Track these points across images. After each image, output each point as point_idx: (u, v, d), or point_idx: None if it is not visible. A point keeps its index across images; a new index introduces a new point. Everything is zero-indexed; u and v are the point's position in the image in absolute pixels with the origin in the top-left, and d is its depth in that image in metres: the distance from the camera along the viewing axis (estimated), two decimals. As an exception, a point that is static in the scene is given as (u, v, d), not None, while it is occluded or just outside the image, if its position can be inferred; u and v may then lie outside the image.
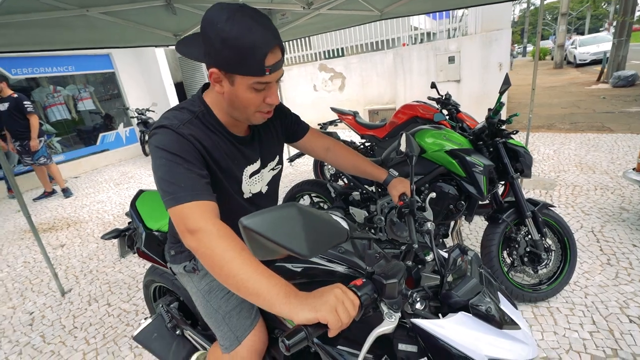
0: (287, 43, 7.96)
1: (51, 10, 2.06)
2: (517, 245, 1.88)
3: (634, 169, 2.52)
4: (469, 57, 5.42)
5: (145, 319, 1.59)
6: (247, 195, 1.01)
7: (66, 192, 5.07)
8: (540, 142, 4.90)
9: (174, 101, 7.58)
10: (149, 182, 5.46)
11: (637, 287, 1.97)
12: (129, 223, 1.54)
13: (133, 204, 1.46)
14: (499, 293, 0.76)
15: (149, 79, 7.47)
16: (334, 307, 0.60)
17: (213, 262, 0.69)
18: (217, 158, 0.87)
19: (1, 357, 2.08)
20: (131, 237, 1.50)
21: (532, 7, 30.45)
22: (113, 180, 5.82)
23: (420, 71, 6.02)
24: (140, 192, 1.53)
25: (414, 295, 0.69)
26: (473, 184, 1.81)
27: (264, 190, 1.06)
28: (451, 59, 5.53)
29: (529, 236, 1.88)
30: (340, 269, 0.88)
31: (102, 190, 5.30)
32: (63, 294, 2.64)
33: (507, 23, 5.21)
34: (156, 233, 1.37)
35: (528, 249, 1.88)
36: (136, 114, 6.67)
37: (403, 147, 1.02)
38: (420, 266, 0.80)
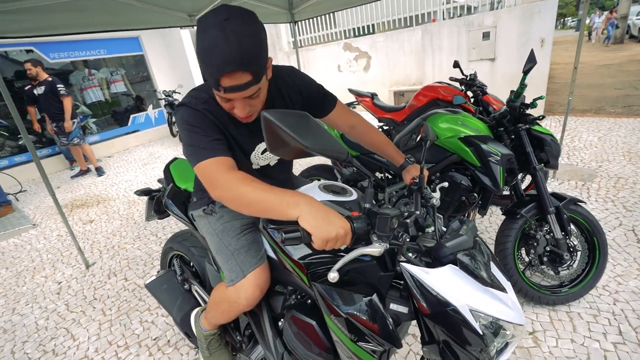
0: (310, 21, 7.71)
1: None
2: (536, 244, 1.71)
3: (690, 161, 2.19)
4: (506, 32, 4.92)
5: (158, 272, 1.69)
6: (255, 166, 1.11)
7: (99, 171, 5.38)
8: (583, 128, 4.42)
9: (199, 83, 7.69)
10: (174, 163, 5.65)
11: (678, 296, 1.74)
12: (156, 189, 1.70)
13: (167, 167, 1.62)
14: (492, 263, 0.79)
15: (176, 61, 7.61)
16: (327, 238, 0.68)
17: (239, 203, 0.83)
18: (230, 131, 0.98)
19: (32, 321, 2.28)
20: (159, 201, 1.63)
21: (591, -26, 27.10)
22: (141, 160, 6.09)
23: (450, 49, 5.59)
24: (175, 158, 1.71)
25: (404, 236, 0.76)
26: (488, 175, 1.65)
27: (272, 163, 1.15)
28: (485, 35, 5.05)
29: (551, 234, 1.69)
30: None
31: (131, 170, 5.57)
32: (87, 266, 2.82)
33: (554, -8, 4.63)
34: (183, 191, 1.54)
35: (548, 248, 1.70)
36: (164, 96, 6.85)
37: (423, 134, 1.06)
38: (420, 233, 0.86)
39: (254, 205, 0.80)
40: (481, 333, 0.67)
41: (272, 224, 1.02)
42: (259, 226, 1.12)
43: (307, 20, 7.49)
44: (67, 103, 4.69)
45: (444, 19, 6.08)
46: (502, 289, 0.73)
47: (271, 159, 1.14)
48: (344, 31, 7.50)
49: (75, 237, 2.76)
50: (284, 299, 1.06)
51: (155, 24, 3.05)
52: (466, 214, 1.87)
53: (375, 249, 0.70)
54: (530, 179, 2.46)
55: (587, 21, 16.44)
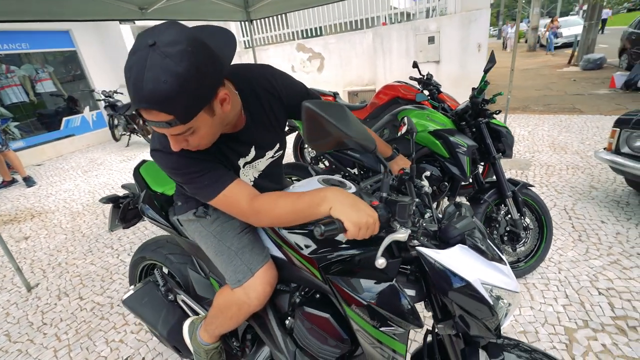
0: (262, 21, 7.62)
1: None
2: (497, 225, 1.91)
3: (604, 149, 2.61)
4: (449, 37, 5.38)
5: (135, 285, 1.58)
6: (249, 182, 1.07)
7: (28, 181, 4.73)
8: (516, 124, 5.01)
9: (144, 82, 7.15)
10: (120, 169, 5.18)
11: (605, 262, 2.07)
12: (123, 196, 1.57)
13: (137, 171, 1.52)
14: (487, 239, 0.84)
15: (116, 59, 6.98)
16: (360, 224, 0.71)
17: (278, 223, 0.88)
18: (213, 154, 0.90)
19: (-38, 359, 1.94)
20: (124, 210, 1.51)
21: (507, -11, 30.71)
22: (81, 168, 5.48)
23: (400, 52, 5.95)
24: (144, 161, 1.60)
25: (421, 221, 0.81)
26: (456, 165, 1.80)
27: (256, 176, 1.09)
28: (431, 39, 5.48)
29: (509, 216, 1.91)
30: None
31: (69, 179, 4.98)
32: (29, 289, 2.47)
33: (486, 2, 5.18)
34: (160, 194, 1.46)
35: (508, 228, 1.92)
36: (103, 97, 6.24)
37: (408, 127, 1.11)
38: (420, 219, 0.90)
39: (290, 220, 0.83)
40: (491, 303, 0.74)
41: None
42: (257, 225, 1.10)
43: (259, 20, 7.38)
44: (-16, 104, 4.05)
45: (392, 22, 6.43)
46: (502, 261, 0.81)
47: (256, 169, 1.07)
48: (296, 32, 7.54)
49: (13, 258, 2.40)
50: (289, 297, 1.05)
51: (104, 16, 2.78)
52: (436, 203, 2.02)
53: (402, 234, 0.74)
54: (482, 168, 2.74)
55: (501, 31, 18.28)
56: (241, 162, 0.99)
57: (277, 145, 1.08)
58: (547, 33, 14.28)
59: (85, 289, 2.41)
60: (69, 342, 1.96)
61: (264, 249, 1.05)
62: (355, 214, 0.71)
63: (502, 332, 0.82)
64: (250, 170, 1.05)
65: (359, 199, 0.75)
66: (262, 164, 1.07)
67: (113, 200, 1.56)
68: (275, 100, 0.99)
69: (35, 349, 1.94)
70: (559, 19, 17.07)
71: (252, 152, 1.00)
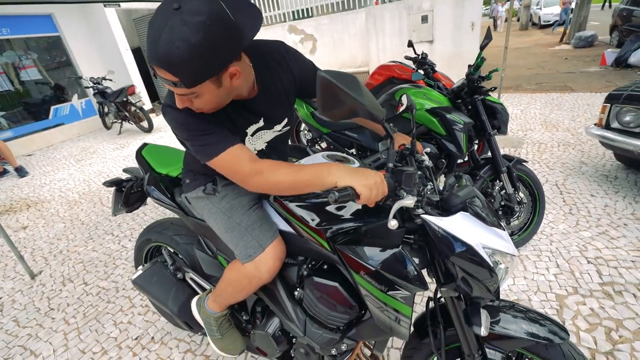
0: (253, 2, 7.41)
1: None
2: (492, 200, 1.97)
3: (595, 125, 2.67)
4: (442, 16, 5.33)
5: (144, 265, 1.61)
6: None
7: (20, 172, 4.66)
8: (508, 102, 5.05)
9: (132, 68, 6.98)
10: (114, 157, 5.13)
11: (594, 232, 2.17)
12: (126, 179, 1.59)
13: (139, 154, 1.55)
14: (486, 207, 0.89)
15: (102, 45, 6.77)
16: (370, 185, 0.75)
17: (277, 189, 0.89)
18: (221, 118, 0.93)
19: (-28, 345, 1.97)
20: (127, 194, 1.53)
21: (500, -34, 30.14)
22: (73, 157, 5.41)
23: (393, 32, 5.88)
24: (145, 144, 1.63)
25: (425, 190, 0.86)
26: (453, 142, 1.84)
27: (263, 148, 1.11)
28: (424, 19, 5.41)
29: (504, 191, 1.97)
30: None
31: (62, 168, 4.92)
32: (33, 276, 2.50)
33: (480, -20, 5.12)
34: (164, 176, 1.48)
35: (502, 203, 1.98)
36: (91, 84, 6.09)
37: (408, 104, 1.12)
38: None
39: (291, 187, 0.85)
40: (491, 265, 0.79)
41: (285, 196, 1.05)
42: (268, 200, 1.13)
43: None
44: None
45: (383, 2, 6.32)
46: (500, 227, 0.86)
47: (262, 140, 1.10)
48: (287, 13, 7.37)
49: (14, 246, 2.41)
50: (297, 270, 1.10)
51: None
52: (435, 178, 2.07)
53: (409, 200, 0.78)
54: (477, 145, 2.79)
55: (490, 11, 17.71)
56: (249, 130, 1.02)
57: (285, 120, 1.11)
58: (561, 10, 13.00)
59: (89, 275, 2.44)
60: (78, 325, 2.01)
61: (273, 224, 1.09)
62: (363, 178, 0.76)
63: (500, 293, 0.88)
64: (257, 140, 1.08)
65: (360, 167, 0.80)
66: (268, 135, 1.10)
67: (117, 183, 1.58)
68: (286, 75, 1.03)
69: (45, 333, 1.98)
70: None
71: (261, 122, 1.03)
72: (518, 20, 17.49)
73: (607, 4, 11.86)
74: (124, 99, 5.78)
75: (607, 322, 1.58)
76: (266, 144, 1.11)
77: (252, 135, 1.04)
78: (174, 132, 0.94)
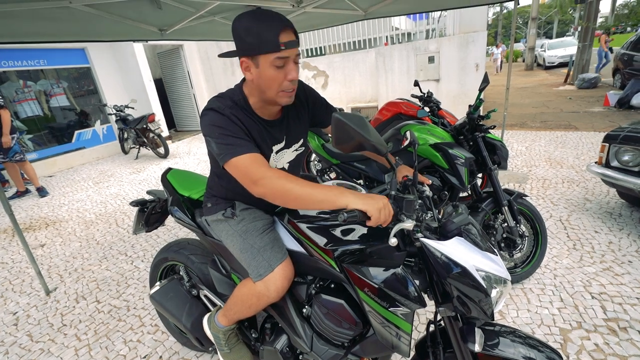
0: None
1: (32, 1, 2.01)
2: (494, 232, 2.04)
3: (596, 163, 2.76)
4: (448, 57, 5.64)
5: (161, 281, 1.70)
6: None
7: (41, 192, 4.88)
8: (513, 139, 5.19)
9: (153, 97, 7.41)
10: (130, 180, 5.34)
11: (598, 268, 2.19)
12: (149, 200, 1.73)
13: (164, 178, 1.68)
14: (480, 234, 0.97)
15: (127, 75, 7.27)
16: (380, 208, 0.85)
17: (285, 197, 0.94)
18: (252, 135, 1.08)
19: (-15, 359, 2.03)
20: (148, 214, 1.67)
21: (504, 11, 31.75)
22: (92, 179, 5.64)
23: (401, 70, 6.21)
24: (170, 169, 1.77)
25: (423, 215, 0.94)
26: (455, 175, 1.95)
27: (286, 167, 1.27)
28: (431, 59, 5.74)
29: (505, 223, 2.04)
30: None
31: (81, 189, 5.14)
32: (48, 293, 2.58)
33: (483, 25, 5.47)
34: (187, 198, 1.60)
35: (504, 235, 2.05)
36: (114, 111, 6.47)
37: (411, 140, 1.24)
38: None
39: (300, 199, 0.92)
40: (485, 287, 0.87)
41: (297, 218, 1.16)
42: (281, 223, 1.24)
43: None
44: (5, 115, 4.24)
45: (393, 43, 6.74)
46: (494, 252, 0.95)
47: (284, 160, 1.25)
48: (301, 51, 7.86)
49: (35, 261, 2.52)
50: (306, 288, 1.18)
51: (126, 36, 3.00)
52: (439, 210, 2.16)
53: (409, 223, 0.88)
54: (481, 180, 2.89)
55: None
56: (275, 148, 1.18)
57: (302, 141, 1.29)
58: (605, 48, 11.50)
59: (101, 293, 2.51)
60: (89, 342, 2.06)
61: (283, 247, 1.19)
62: (373, 201, 0.86)
63: (495, 316, 0.94)
64: (280, 159, 1.23)
65: (369, 193, 0.91)
66: (289, 155, 1.26)
67: (141, 203, 1.72)
68: (303, 107, 1.25)
69: (57, 348, 2.04)
70: (553, 40, 17.44)
71: (283, 143, 1.21)
72: (523, 60, 18.11)
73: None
74: (144, 126, 6.11)
75: (611, 359, 1.59)
76: (288, 163, 1.27)
77: (277, 153, 1.20)
78: (205, 130, 1.04)
